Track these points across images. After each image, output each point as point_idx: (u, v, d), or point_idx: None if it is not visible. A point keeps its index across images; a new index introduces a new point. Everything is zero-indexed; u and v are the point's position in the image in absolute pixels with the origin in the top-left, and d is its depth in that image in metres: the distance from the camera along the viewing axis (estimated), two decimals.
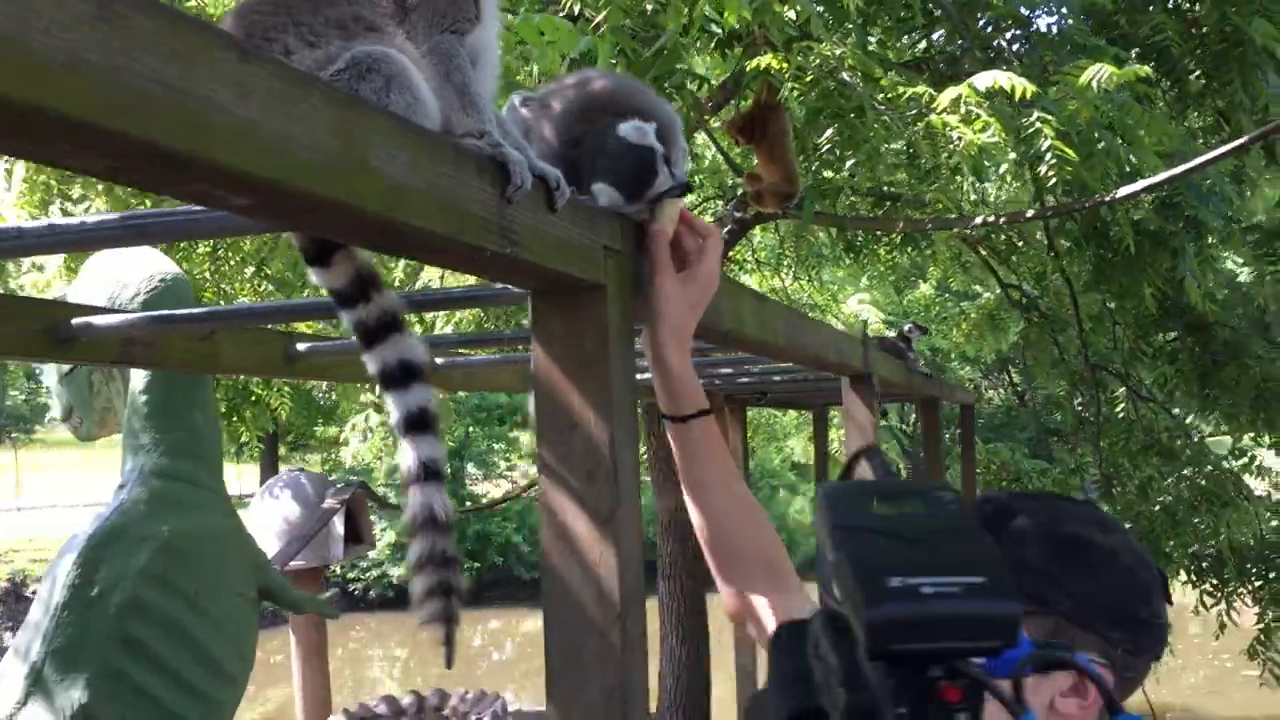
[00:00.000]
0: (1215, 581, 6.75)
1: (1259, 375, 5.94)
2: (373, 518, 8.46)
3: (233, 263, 7.39)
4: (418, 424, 1.36)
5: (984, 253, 8.68)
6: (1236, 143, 3.97)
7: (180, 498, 3.61)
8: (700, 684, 8.24)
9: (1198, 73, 5.79)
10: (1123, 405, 7.73)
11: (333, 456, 22.66)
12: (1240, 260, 7.71)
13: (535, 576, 23.52)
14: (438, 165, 1.14)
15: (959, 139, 4.13)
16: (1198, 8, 5.57)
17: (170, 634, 3.44)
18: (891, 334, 8.02)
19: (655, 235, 1.58)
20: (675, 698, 8.19)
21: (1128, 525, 7.65)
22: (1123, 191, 4.25)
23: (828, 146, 4.86)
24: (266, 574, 3.98)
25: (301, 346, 2.74)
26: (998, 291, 9.67)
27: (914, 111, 4.51)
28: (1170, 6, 5.81)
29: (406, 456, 1.36)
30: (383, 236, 1.13)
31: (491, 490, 22.86)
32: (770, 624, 1.66)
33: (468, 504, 21.15)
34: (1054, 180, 4.39)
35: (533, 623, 22.16)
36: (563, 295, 1.51)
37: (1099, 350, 7.23)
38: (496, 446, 23.18)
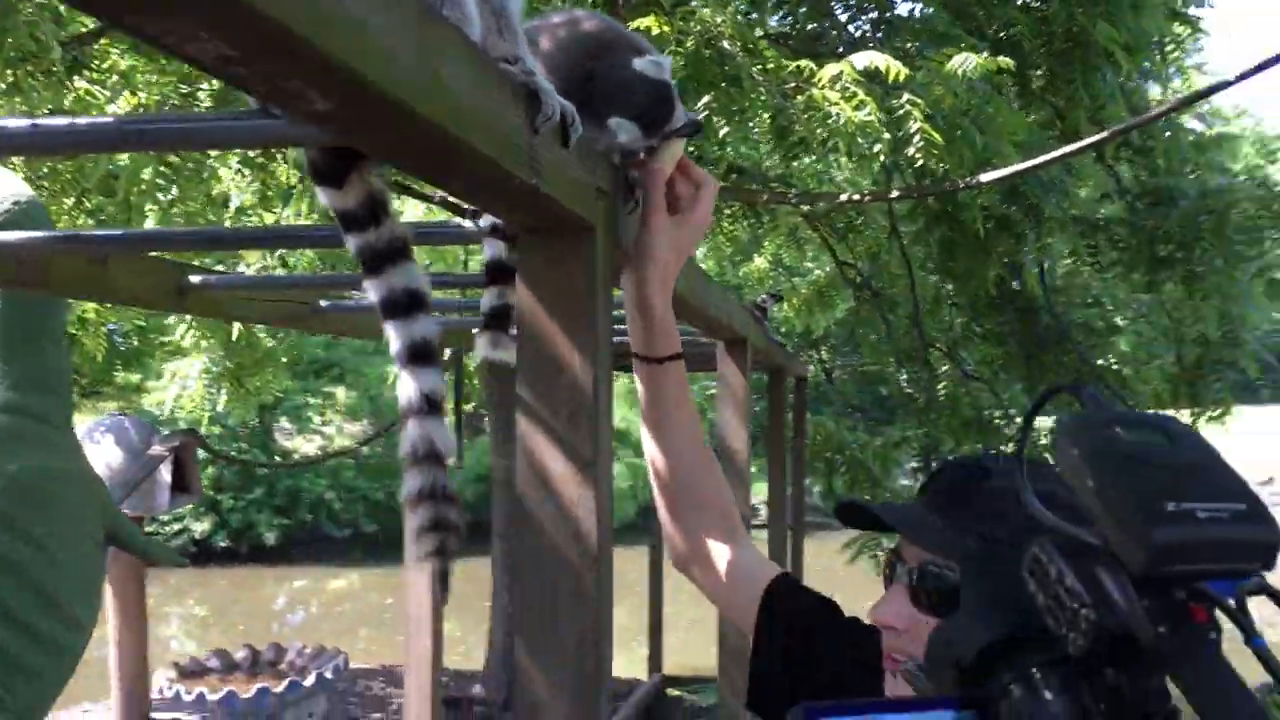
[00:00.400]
0: None
1: (1078, 359, 6.34)
2: None
3: (52, 190, 6.95)
4: (421, 355, 1.32)
5: (824, 230, 8.92)
6: (1099, 136, 4.20)
7: (29, 434, 3.38)
8: None
9: (1042, 69, 6.08)
10: (945, 384, 8.11)
11: (133, 404, 21.61)
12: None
13: (346, 535, 23.03)
14: (488, 87, 1.11)
15: (838, 115, 4.23)
16: (1048, 6, 5.85)
17: (16, 578, 3.23)
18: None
19: (654, 174, 1.58)
20: (506, 654, 8.20)
21: None
22: (988, 176, 4.44)
23: (703, 115, 4.89)
24: (115, 517, 3.77)
25: (194, 279, 2.61)
26: (829, 268, 9.96)
27: (791, 85, 4.59)
28: (1021, 4, 6.08)
29: (407, 388, 1.32)
30: (439, 156, 1.09)
31: (304, 445, 22.25)
32: (722, 571, 1.68)
33: (294, 457, 20.46)
34: (921, 162, 4.56)
35: (342, 582, 21.72)
36: (554, 236, 1.49)
37: (928, 331, 7.54)
38: (311, 401, 22.54)
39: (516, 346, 1.52)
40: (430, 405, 1.31)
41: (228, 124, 1.23)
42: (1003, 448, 7.76)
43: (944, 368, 8.13)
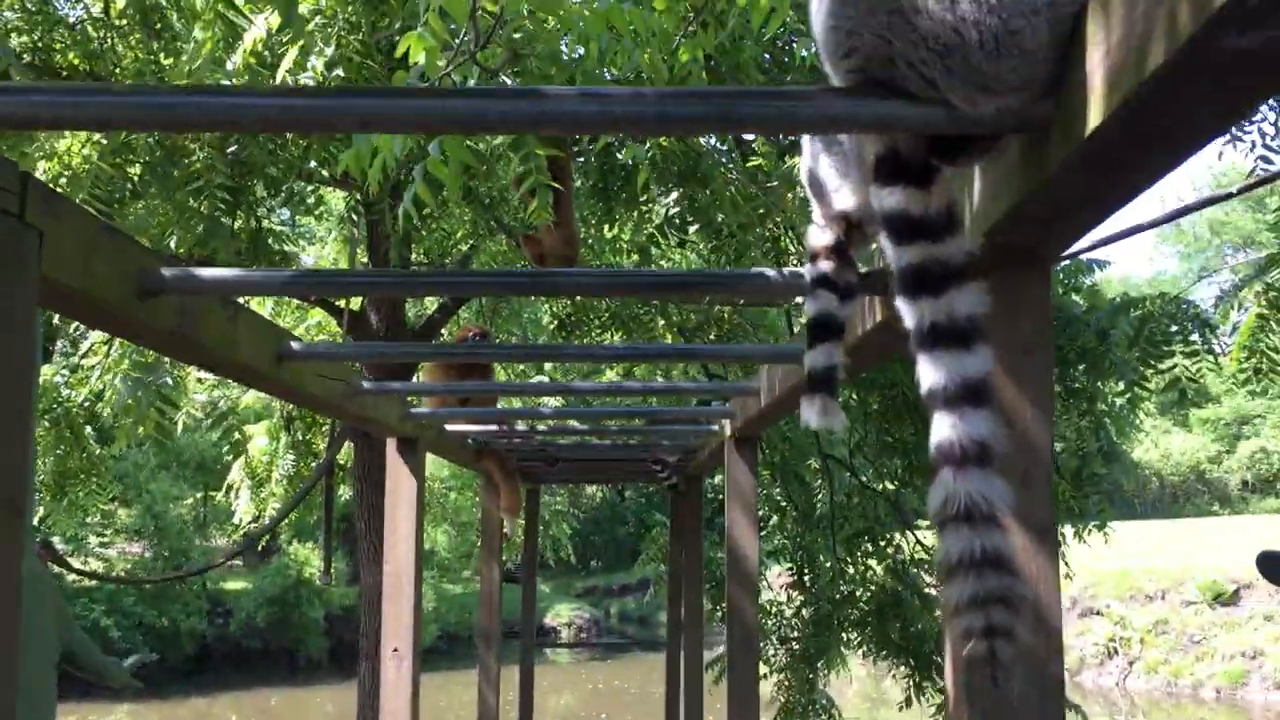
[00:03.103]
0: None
1: None
2: None
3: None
4: (977, 395, 1.10)
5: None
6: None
7: None
8: None
9: None
10: (821, 495, 8.12)
11: None
12: None
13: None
14: None
15: None
16: None
17: None
18: None
19: None
20: None
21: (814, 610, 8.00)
22: None
23: (675, 210, 4.80)
24: (71, 632, 3.24)
25: (295, 345, 2.27)
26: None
27: (774, 184, 4.55)
28: None
29: (951, 431, 1.10)
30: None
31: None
32: None
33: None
34: None
35: (114, 719, 19.83)
36: (1006, 268, 1.32)
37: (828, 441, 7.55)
38: (89, 521, 20.74)
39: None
40: (983, 456, 1.10)
41: (823, 104, 1.01)
42: (874, 564, 7.73)
43: (819, 480, 8.14)
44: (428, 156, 2.48)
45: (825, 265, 1.59)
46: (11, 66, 5.10)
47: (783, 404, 2.82)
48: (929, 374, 1.12)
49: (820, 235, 1.61)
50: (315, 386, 2.52)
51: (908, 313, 1.14)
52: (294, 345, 2.26)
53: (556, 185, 3.12)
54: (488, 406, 4.90)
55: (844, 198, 1.52)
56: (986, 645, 1.10)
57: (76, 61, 6.31)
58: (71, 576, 20.48)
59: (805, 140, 1.59)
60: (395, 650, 3.82)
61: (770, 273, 1.69)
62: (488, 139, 3.50)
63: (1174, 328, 5.68)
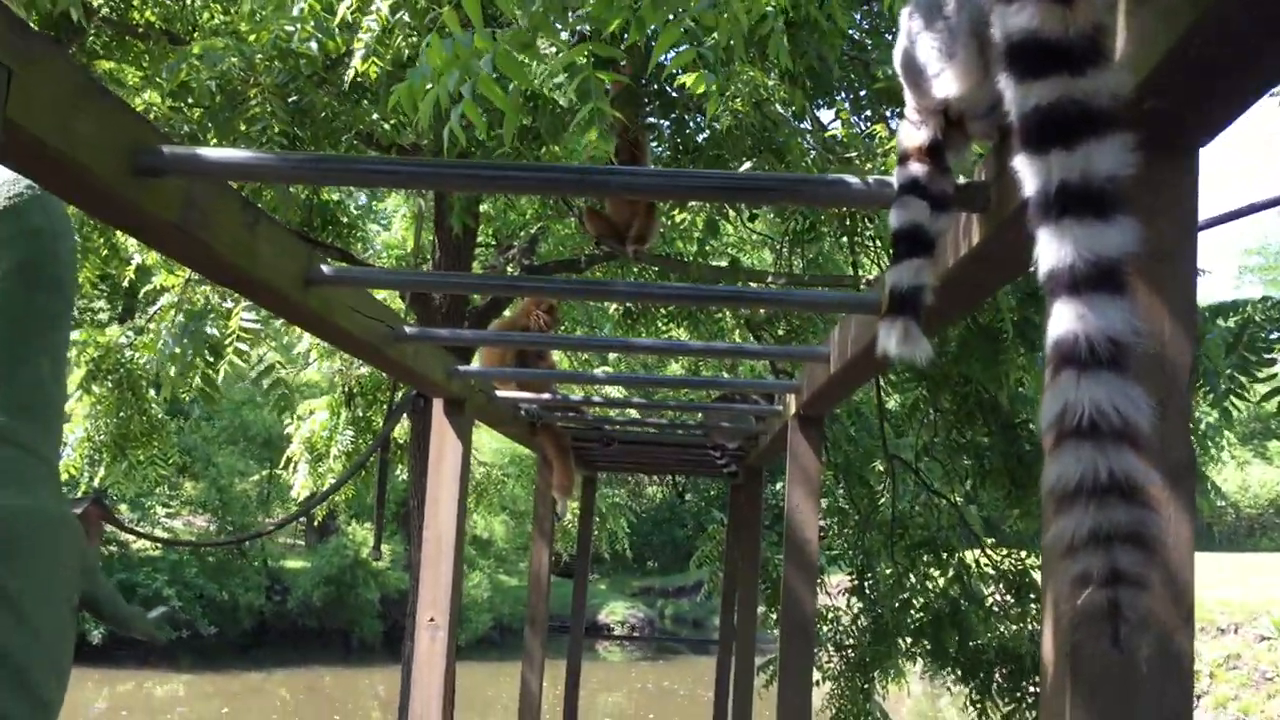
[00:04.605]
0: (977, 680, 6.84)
1: None
2: None
3: None
4: (1111, 279, 0.87)
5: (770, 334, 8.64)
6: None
7: (11, 469, 2.71)
8: None
9: None
10: (884, 499, 7.82)
11: None
12: None
13: (183, 636, 21.35)
14: None
15: None
16: None
17: None
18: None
19: None
20: None
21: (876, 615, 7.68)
22: None
23: None
24: (95, 578, 3.09)
25: (326, 269, 2.08)
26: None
27: (852, 155, 4.31)
28: None
29: (1077, 323, 0.87)
30: None
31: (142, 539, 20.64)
32: None
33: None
34: None
35: (170, 688, 20.06)
36: (1147, 146, 1.08)
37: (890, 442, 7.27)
38: (155, 490, 21.00)
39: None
40: (1114, 356, 0.86)
41: None
42: (934, 573, 7.35)
43: (883, 484, 7.85)
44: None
45: (916, 168, 1.37)
46: (83, 18, 5.03)
47: (856, 367, 2.57)
48: (1051, 250, 0.89)
49: (913, 134, 1.38)
50: (350, 322, 2.33)
51: (1029, 172, 0.90)
52: (325, 269, 2.07)
53: (617, 114, 2.92)
54: (543, 368, 4.71)
55: (945, 83, 1.30)
56: (1108, 595, 0.87)
57: (153, 19, 6.27)
58: (136, 544, 20.77)
59: (903, 17, 1.36)
60: (431, 620, 3.63)
61: (852, 179, 1.46)
62: (544, 62, 3.30)
63: (1275, 334, 5.33)
